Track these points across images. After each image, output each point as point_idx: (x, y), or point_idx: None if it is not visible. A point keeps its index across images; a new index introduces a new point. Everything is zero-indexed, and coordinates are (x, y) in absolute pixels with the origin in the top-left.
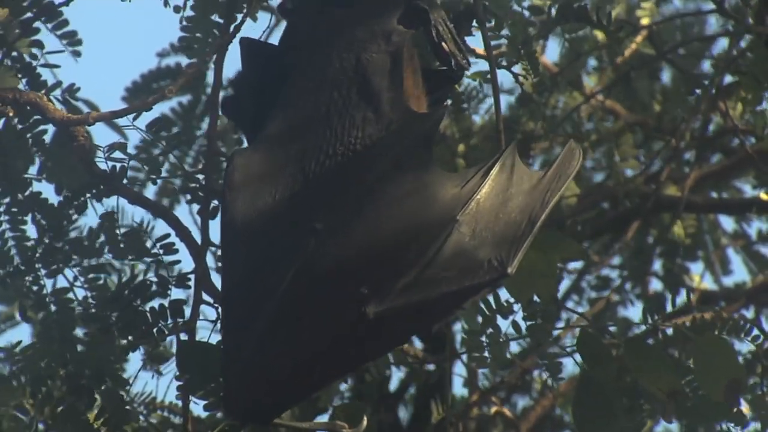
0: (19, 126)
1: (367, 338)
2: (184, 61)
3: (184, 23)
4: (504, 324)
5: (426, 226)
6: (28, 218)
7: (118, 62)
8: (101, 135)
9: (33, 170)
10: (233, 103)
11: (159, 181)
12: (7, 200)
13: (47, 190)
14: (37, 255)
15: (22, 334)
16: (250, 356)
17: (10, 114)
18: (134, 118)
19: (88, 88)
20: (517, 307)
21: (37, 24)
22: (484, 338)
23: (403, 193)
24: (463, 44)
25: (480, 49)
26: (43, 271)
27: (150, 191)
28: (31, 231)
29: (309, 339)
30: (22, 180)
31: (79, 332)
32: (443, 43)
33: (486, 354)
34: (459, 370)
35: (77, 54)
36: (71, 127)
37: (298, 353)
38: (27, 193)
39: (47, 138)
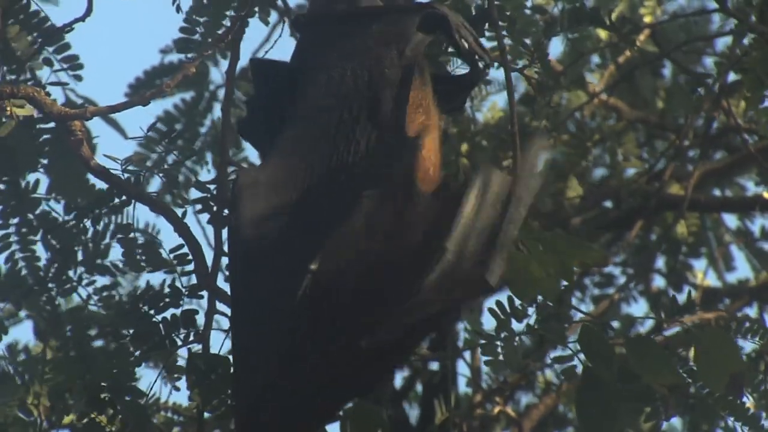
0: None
1: (368, 363)
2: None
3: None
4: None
5: (414, 255)
6: (38, 237)
7: (122, 59)
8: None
9: (42, 189)
10: (248, 125)
11: (161, 178)
12: (16, 220)
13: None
14: (50, 275)
15: (24, 331)
16: (258, 386)
17: (8, 110)
18: (150, 126)
19: (91, 85)
20: (531, 310)
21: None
22: (498, 342)
23: (392, 224)
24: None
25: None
26: (56, 291)
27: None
28: (41, 251)
29: (312, 370)
30: (32, 199)
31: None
32: (468, 46)
33: (500, 358)
34: (462, 368)
35: (78, 78)
36: (68, 121)
37: (304, 384)
38: (38, 212)
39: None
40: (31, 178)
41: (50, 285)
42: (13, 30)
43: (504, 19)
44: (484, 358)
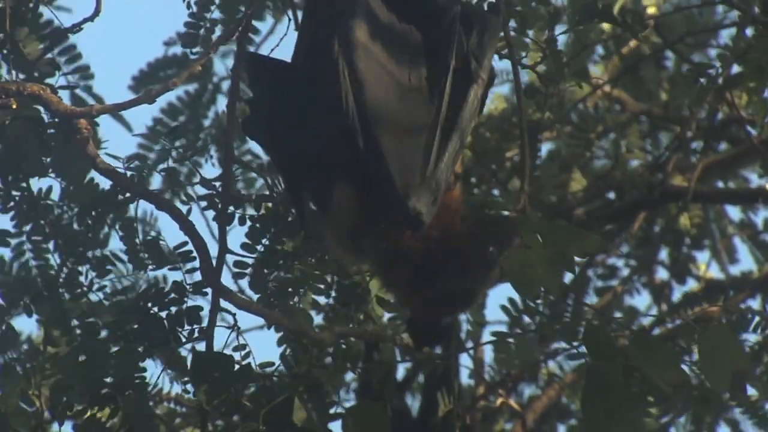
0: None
1: None
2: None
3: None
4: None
5: None
6: (50, 244)
7: (125, 51)
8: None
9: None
10: (252, 123)
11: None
12: (29, 227)
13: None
14: (61, 280)
15: (26, 322)
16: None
17: (14, 106)
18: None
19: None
20: (542, 308)
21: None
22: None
23: None
24: None
25: None
26: (66, 296)
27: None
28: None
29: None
30: (44, 206)
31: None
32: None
33: (513, 355)
34: (465, 360)
35: (89, 88)
36: (74, 119)
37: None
38: (49, 219)
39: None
40: (44, 184)
41: (61, 290)
42: (22, 33)
43: (513, 15)
44: (493, 355)
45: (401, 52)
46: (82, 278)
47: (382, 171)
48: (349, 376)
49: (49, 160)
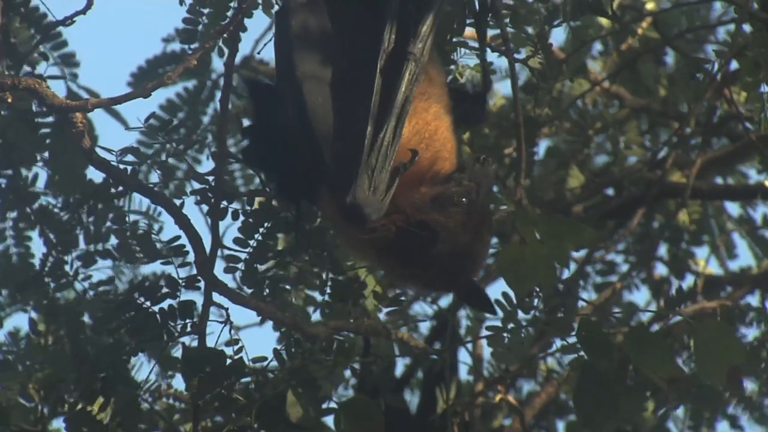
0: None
1: None
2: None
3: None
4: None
5: None
6: (34, 233)
7: (124, 48)
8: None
9: (40, 183)
10: (250, 150)
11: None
12: (14, 214)
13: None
14: (46, 269)
15: (24, 319)
16: None
17: (9, 100)
18: (147, 117)
19: (93, 75)
20: (536, 301)
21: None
22: (505, 334)
23: None
24: None
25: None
26: (52, 285)
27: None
28: (38, 245)
29: None
30: (30, 193)
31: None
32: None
33: (507, 349)
34: (463, 356)
35: (74, 76)
36: (70, 113)
37: None
38: (35, 206)
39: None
40: (30, 172)
41: (47, 279)
42: (13, 23)
43: (507, 9)
44: (491, 350)
45: (348, 46)
46: (67, 267)
47: (324, 173)
48: (348, 372)
49: (45, 152)
